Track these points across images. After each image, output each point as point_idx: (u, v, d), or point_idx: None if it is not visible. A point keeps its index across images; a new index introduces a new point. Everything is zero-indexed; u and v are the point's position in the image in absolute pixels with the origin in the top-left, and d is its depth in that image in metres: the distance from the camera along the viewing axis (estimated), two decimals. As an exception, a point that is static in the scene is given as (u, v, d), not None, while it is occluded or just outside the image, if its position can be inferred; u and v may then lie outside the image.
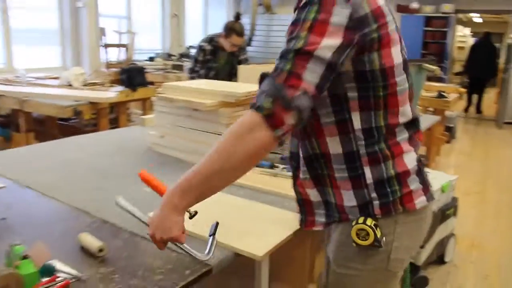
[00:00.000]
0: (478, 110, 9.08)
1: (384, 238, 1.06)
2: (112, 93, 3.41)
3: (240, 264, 1.22)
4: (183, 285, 1.01)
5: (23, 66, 5.60)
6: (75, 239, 1.16)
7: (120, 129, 2.82)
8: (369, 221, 1.04)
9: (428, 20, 8.34)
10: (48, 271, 1.00)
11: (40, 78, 4.52)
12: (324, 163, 1.11)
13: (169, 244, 1.04)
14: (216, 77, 3.67)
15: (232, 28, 3.62)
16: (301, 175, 1.17)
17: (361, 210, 1.08)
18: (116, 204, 1.16)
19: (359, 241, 1.05)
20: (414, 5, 8.17)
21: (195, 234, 1.21)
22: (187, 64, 6.44)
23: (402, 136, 1.09)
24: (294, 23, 0.97)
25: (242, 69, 2.30)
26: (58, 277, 0.99)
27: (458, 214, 2.82)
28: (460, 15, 12.68)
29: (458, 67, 11.15)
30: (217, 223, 1.11)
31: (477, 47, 8.73)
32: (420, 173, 1.12)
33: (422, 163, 1.15)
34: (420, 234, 1.16)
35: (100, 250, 1.10)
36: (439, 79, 5.39)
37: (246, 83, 2.35)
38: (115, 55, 6.74)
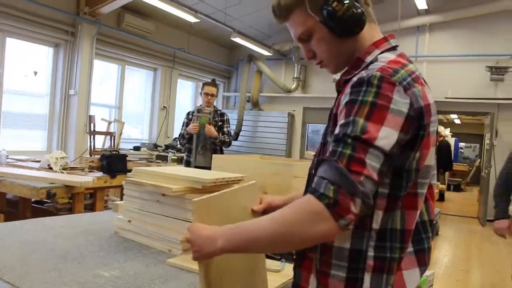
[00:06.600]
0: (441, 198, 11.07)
1: None
2: (89, 178, 3.43)
3: None
4: None
5: (8, 148, 5.66)
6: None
7: (90, 213, 2.79)
8: None
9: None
10: None
11: (21, 160, 4.55)
12: (321, 256, 1.02)
13: None
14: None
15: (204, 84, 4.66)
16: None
17: None
18: None
19: None
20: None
21: None
22: (171, 155, 6.57)
23: (410, 248, 1.01)
24: (350, 104, 0.91)
25: (215, 157, 2.36)
26: None
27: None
28: (441, 116, 13.37)
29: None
30: None
31: (439, 147, 11.31)
32: None
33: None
34: None
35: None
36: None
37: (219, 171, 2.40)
38: (101, 142, 6.85)
